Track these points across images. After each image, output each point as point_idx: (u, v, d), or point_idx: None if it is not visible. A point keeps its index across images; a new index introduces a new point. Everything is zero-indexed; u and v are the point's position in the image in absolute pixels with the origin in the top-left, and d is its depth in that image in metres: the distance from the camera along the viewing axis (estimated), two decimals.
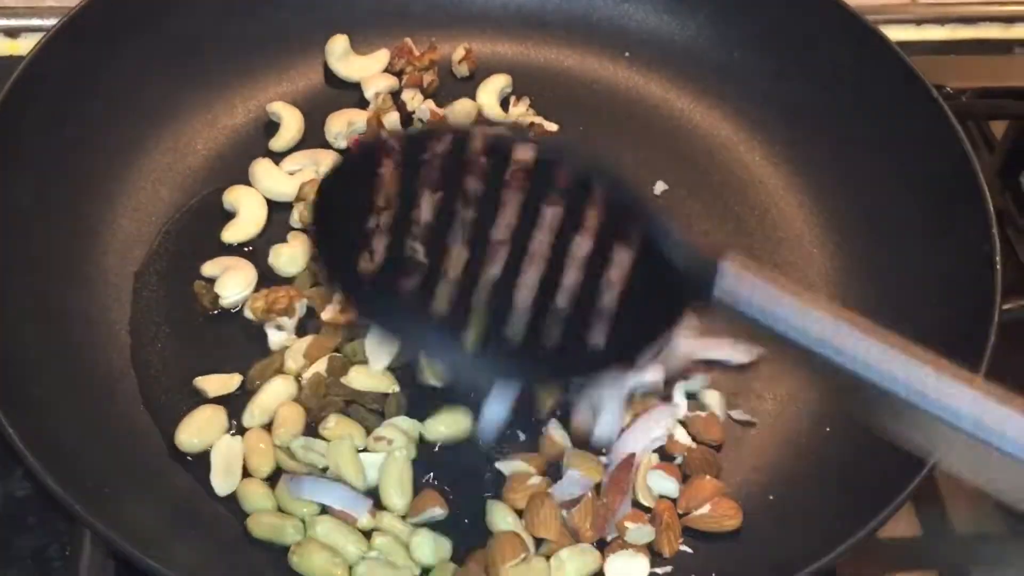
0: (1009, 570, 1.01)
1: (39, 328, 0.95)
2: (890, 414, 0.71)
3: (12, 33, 1.29)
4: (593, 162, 0.78)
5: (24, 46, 1.27)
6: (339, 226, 0.80)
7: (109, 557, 0.90)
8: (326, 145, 1.14)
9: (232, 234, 1.06)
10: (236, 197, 1.08)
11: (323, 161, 1.11)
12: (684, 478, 0.95)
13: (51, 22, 1.23)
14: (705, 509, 0.93)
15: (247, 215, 1.07)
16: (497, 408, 0.90)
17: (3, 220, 0.96)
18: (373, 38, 1.21)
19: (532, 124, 1.16)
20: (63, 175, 1.03)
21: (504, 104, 1.19)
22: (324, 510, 0.90)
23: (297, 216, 1.08)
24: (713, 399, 1.00)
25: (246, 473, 0.93)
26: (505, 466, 0.94)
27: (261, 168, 1.10)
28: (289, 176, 1.10)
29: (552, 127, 1.18)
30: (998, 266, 0.96)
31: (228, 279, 1.02)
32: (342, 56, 1.19)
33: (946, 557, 1.01)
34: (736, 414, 1.00)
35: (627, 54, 1.24)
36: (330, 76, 1.20)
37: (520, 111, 1.18)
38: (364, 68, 1.20)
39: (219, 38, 1.15)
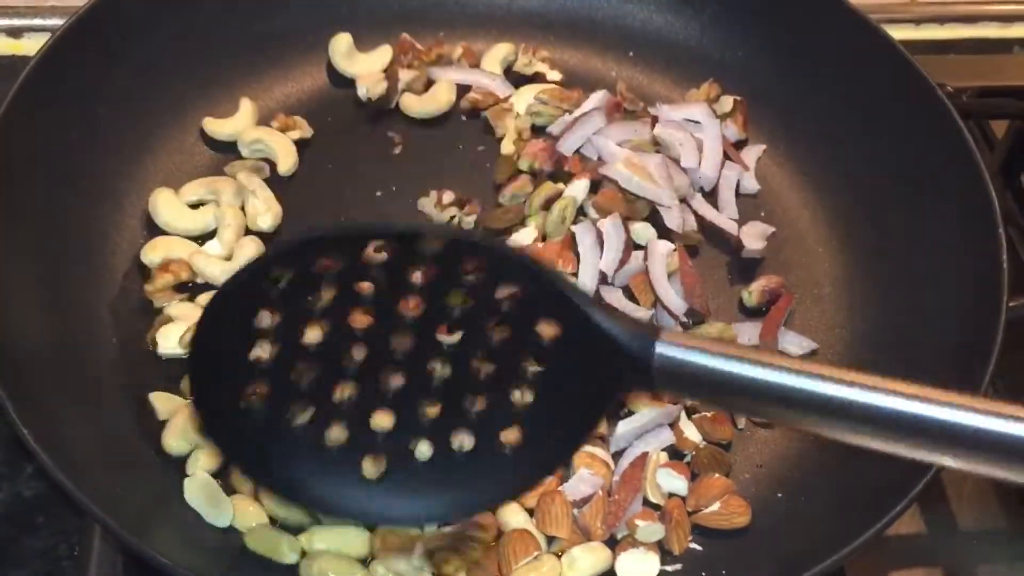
0: (1014, 567, 1.02)
1: (50, 328, 0.95)
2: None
3: (15, 33, 1.28)
4: (502, 250, 0.69)
5: (27, 46, 1.27)
6: (217, 373, 0.70)
7: (118, 556, 0.90)
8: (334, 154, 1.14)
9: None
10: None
11: (223, 191, 1.07)
12: (693, 476, 0.96)
13: (53, 22, 1.25)
14: (715, 507, 0.93)
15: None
16: None
17: (13, 221, 0.96)
18: (378, 38, 1.21)
19: (537, 74, 1.19)
20: (71, 175, 1.03)
21: (507, 71, 1.21)
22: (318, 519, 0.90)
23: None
24: None
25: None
26: None
27: (162, 199, 1.06)
28: (191, 209, 1.07)
29: (556, 76, 1.20)
30: (1004, 264, 0.96)
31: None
32: (346, 54, 1.19)
33: (951, 555, 1.02)
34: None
35: (631, 53, 1.24)
36: (334, 76, 1.20)
37: (525, 61, 1.20)
38: (367, 65, 1.20)
39: (224, 39, 1.15)
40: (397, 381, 0.69)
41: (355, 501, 0.72)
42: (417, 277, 0.67)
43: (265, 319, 0.67)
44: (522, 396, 0.69)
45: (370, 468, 0.71)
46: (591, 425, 0.72)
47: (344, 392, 0.69)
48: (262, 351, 0.68)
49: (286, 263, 0.66)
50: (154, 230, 1.06)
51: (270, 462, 0.71)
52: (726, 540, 0.94)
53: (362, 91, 1.17)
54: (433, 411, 0.70)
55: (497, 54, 1.21)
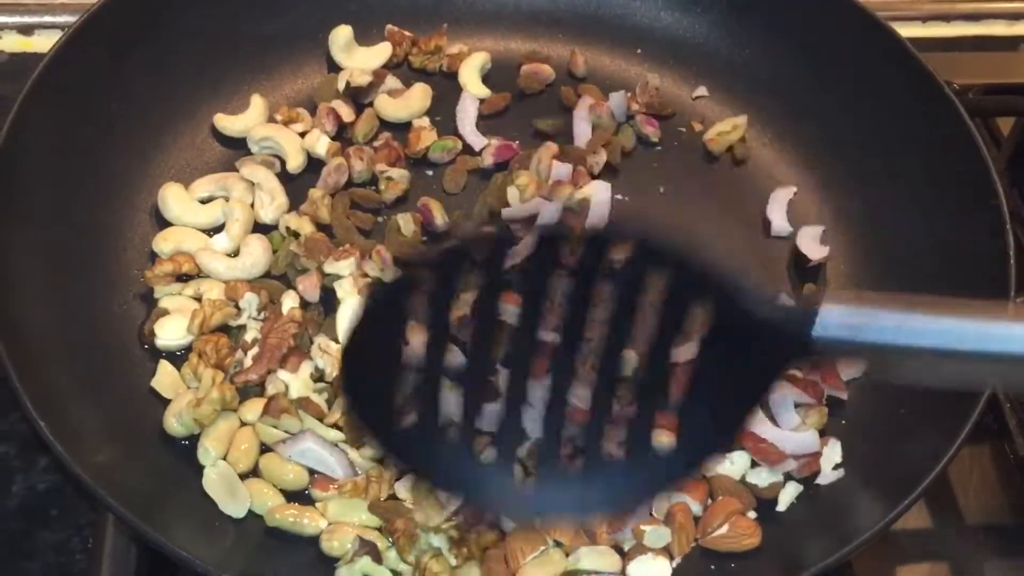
0: (1020, 561, 1.02)
1: (64, 323, 0.95)
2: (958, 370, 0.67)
3: (26, 30, 1.29)
4: (652, 237, 0.66)
5: (37, 43, 1.28)
6: (369, 373, 0.69)
7: (132, 548, 0.90)
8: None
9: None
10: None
11: (233, 186, 1.08)
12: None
13: (64, 19, 1.26)
14: (723, 530, 0.93)
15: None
16: None
17: (26, 218, 0.97)
18: (385, 36, 1.22)
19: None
20: (83, 172, 1.04)
21: (486, 81, 1.20)
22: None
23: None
24: None
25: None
26: None
27: (171, 194, 1.07)
28: (200, 204, 1.08)
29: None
30: (1012, 261, 0.97)
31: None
32: (344, 47, 1.19)
33: (957, 549, 1.02)
34: None
35: (639, 51, 1.24)
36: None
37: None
38: (362, 60, 1.20)
39: (234, 36, 1.16)
40: (546, 382, 0.68)
41: (507, 504, 0.72)
42: (562, 274, 0.65)
43: (417, 315, 0.67)
44: (674, 391, 0.67)
45: (521, 476, 0.69)
46: (749, 412, 0.68)
47: (492, 396, 0.68)
48: (414, 348, 0.68)
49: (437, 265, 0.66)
50: (164, 225, 1.07)
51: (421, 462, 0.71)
52: None
53: (341, 83, 1.16)
54: (584, 413, 0.68)
55: (475, 62, 1.20)
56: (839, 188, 1.15)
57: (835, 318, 0.64)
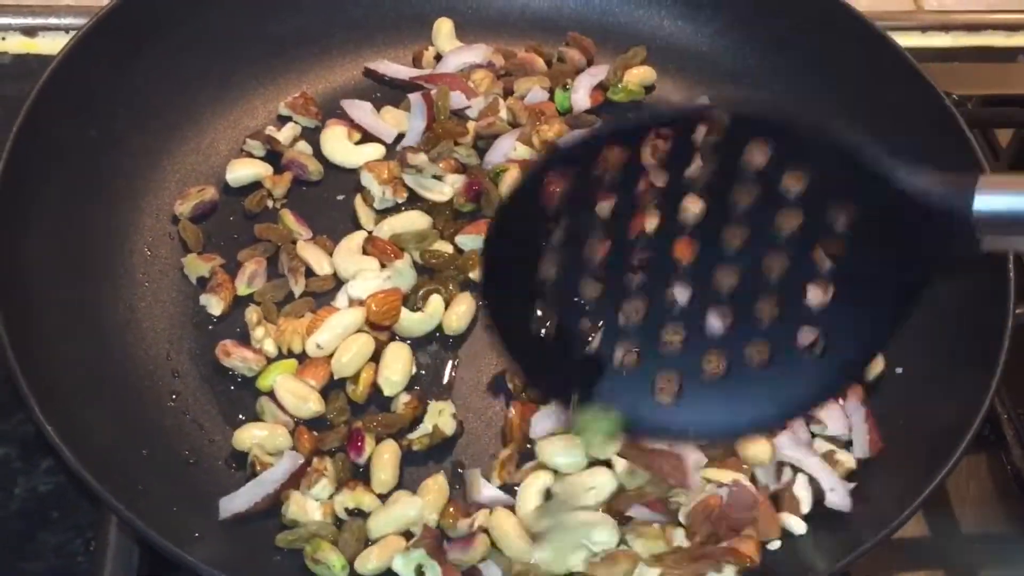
0: (1015, 571, 1.03)
1: (69, 325, 0.96)
2: None
3: (30, 32, 1.29)
4: (785, 120, 0.63)
5: (42, 44, 1.28)
6: (510, 282, 0.68)
7: (134, 550, 0.90)
8: None
9: None
10: None
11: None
12: None
13: (68, 21, 1.26)
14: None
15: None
16: None
17: (33, 221, 0.97)
18: (392, 42, 1.23)
19: None
20: (90, 176, 1.04)
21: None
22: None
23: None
24: None
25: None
26: None
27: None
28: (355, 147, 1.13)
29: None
30: (1011, 271, 0.97)
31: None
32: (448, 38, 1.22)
33: (953, 557, 1.02)
34: None
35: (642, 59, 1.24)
36: (347, 80, 1.20)
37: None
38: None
39: (240, 41, 1.17)
40: (684, 293, 0.66)
41: (651, 421, 0.69)
42: (695, 172, 0.62)
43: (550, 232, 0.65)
44: (821, 293, 0.64)
45: (663, 394, 0.68)
46: (907, 311, 0.64)
47: (632, 307, 0.66)
48: (549, 261, 0.66)
49: (565, 165, 0.63)
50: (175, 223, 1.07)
51: (563, 381, 0.69)
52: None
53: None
54: (724, 322, 0.66)
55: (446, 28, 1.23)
56: None
57: (994, 193, 0.60)
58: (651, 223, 0.64)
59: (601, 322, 0.67)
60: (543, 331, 0.68)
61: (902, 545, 1.01)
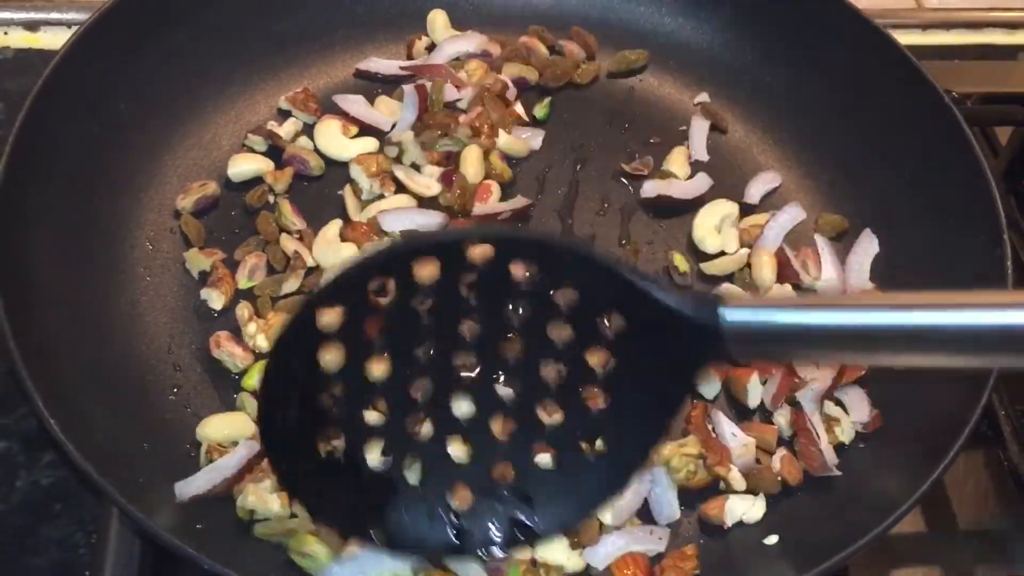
0: (1012, 567, 1.03)
1: (71, 319, 0.96)
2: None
3: (32, 26, 1.29)
4: (552, 242, 0.69)
5: (44, 39, 1.28)
6: (288, 416, 0.69)
7: (136, 543, 0.90)
8: None
9: None
10: None
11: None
12: None
13: (70, 16, 1.26)
14: None
15: None
16: None
17: (36, 215, 0.98)
18: (395, 38, 1.23)
19: None
20: (92, 171, 1.04)
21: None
22: None
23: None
24: None
25: None
26: None
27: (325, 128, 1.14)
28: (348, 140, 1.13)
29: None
30: (1009, 268, 0.98)
31: None
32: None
33: (950, 553, 1.03)
34: None
35: None
36: (348, 76, 1.21)
37: None
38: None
39: (242, 38, 1.17)
40: (466, 406, 0.69)
41: (444, 538, 0.71)
42: (467, 292, 0.66)
43: (328, 360, 0.67)
44: (597, 399, 0.68)
45: (458, 502, 0.70)
46: (672, 413, 0.70)
47: (416, 424, 0.69)
48: (328, 394, 0.68)
49: (337, 297, 0.66)
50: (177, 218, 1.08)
51: (352, 512, 0.71)
52: (733, 535, 0.95)
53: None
54: (508, 431, 0.69)
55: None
56: (836, 189, 1.17)
57: (741, 315, 0.65)
58: (428, 345, 0.67)
59: (386, 442, 0.69)
60: (329, 458, 0.69)
61: (899, 541, 1.01)
